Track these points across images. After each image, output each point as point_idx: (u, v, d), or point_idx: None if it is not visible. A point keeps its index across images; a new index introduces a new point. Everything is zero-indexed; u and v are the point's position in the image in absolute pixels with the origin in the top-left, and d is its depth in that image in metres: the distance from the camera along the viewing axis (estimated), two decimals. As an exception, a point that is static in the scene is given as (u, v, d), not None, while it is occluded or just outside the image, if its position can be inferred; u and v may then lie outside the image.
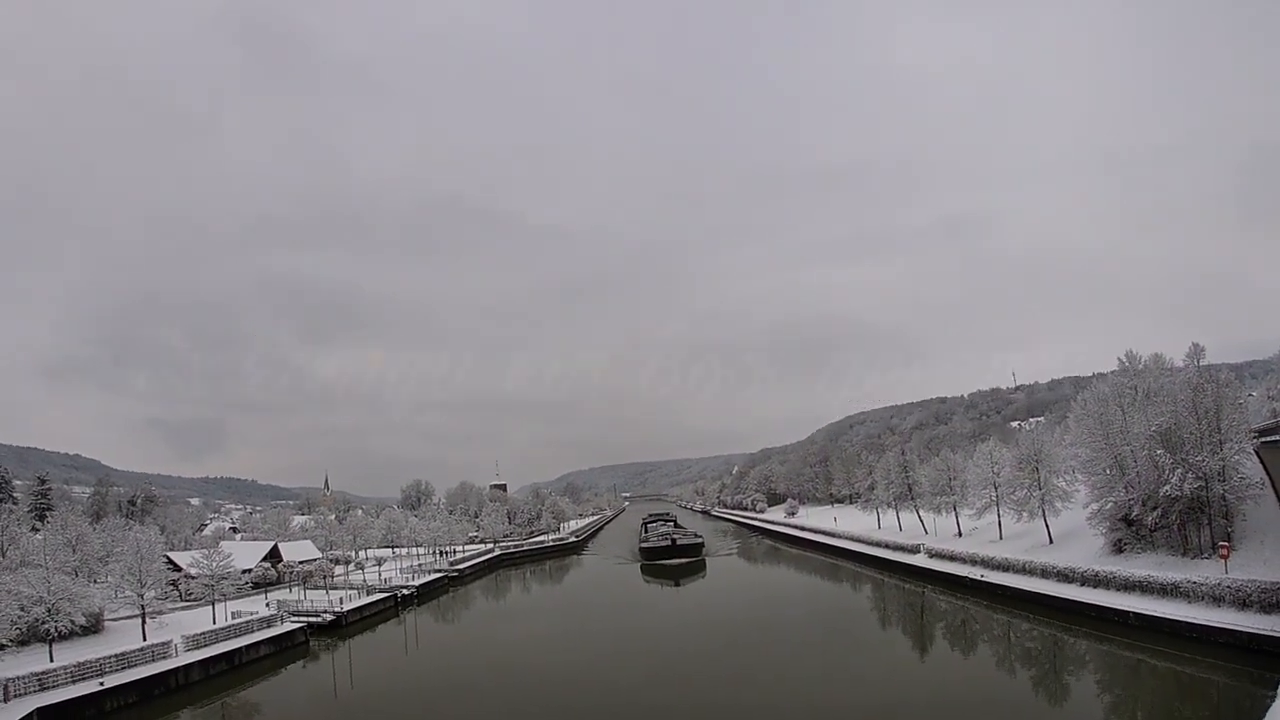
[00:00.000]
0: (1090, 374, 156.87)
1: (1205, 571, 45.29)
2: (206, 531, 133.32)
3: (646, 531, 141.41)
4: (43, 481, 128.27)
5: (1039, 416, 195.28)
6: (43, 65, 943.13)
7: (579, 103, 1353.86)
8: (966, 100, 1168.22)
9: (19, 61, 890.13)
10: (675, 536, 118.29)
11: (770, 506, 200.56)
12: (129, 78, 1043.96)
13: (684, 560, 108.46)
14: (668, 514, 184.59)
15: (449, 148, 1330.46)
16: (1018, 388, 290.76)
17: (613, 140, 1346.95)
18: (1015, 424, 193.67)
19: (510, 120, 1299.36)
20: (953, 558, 72.55)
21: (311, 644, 60.83)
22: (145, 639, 51.65)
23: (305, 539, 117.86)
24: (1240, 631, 37.23)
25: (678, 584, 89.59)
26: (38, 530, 78.23)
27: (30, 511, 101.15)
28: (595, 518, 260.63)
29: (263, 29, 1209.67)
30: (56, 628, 47.28)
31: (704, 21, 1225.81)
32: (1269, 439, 50.21)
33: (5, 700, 38.31)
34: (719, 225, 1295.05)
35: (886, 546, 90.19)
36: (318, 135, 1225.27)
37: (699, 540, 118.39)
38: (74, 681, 42.04)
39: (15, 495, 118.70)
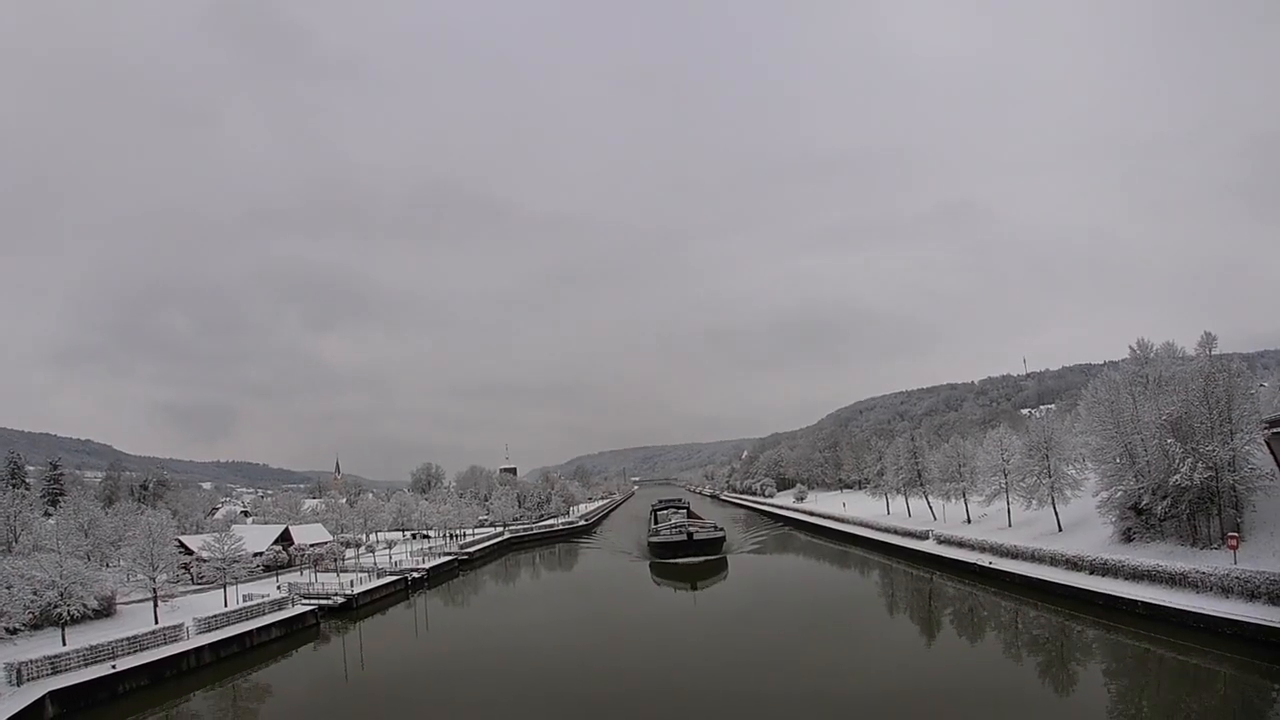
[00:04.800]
0: (1101, 362, 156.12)
1: (1214, 562, 44.92)
2: (218, 515, 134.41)
3: (656, 521, 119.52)
4: (55, 467, 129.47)
5: (1050, 404, 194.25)
6: (48, 62, 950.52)
7: (577, 93, 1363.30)
8: (970, 87, 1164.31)
9: (25, 58, 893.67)
10: (691, 529, 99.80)
11: (779, 491, 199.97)
12: (131, 74, 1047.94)
13: (702, 558, 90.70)
14: (679, 500, 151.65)
15: (448, 138, 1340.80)
16: (1029, 375, 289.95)
17: (611, 130, 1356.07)
18: (1026, 411, 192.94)
19: (508, 110, 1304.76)
20: (961, 544, 72.25)
21: (322, 626, 61.53)
22: (157, 622, 52.18)
23: (316, 522, 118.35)
24: (1248, 623, 36.90)
25: (694, 588, 75.69)
26: (50, 515, 79.03)
27: (43, 497, 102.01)
28: (604, 501, 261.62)
29: (258, 24, 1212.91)
30: (69, 611, 47.75)
31: (700, 9, 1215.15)
32: (1280, 429, 49.67)
33: (18, 683, 38.77)
34: (724, 213, 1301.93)
35: (895, 533, 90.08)
36: (316, 127, 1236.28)
37: (720, 534, 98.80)
38: (86, 664, 42.46)
39: (28, 481, 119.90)
